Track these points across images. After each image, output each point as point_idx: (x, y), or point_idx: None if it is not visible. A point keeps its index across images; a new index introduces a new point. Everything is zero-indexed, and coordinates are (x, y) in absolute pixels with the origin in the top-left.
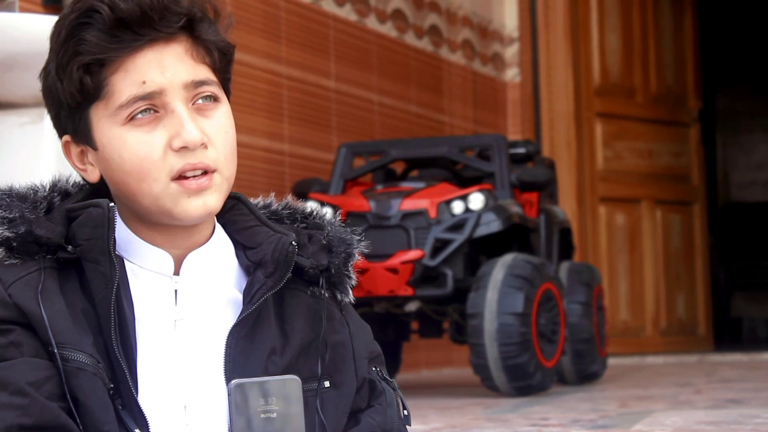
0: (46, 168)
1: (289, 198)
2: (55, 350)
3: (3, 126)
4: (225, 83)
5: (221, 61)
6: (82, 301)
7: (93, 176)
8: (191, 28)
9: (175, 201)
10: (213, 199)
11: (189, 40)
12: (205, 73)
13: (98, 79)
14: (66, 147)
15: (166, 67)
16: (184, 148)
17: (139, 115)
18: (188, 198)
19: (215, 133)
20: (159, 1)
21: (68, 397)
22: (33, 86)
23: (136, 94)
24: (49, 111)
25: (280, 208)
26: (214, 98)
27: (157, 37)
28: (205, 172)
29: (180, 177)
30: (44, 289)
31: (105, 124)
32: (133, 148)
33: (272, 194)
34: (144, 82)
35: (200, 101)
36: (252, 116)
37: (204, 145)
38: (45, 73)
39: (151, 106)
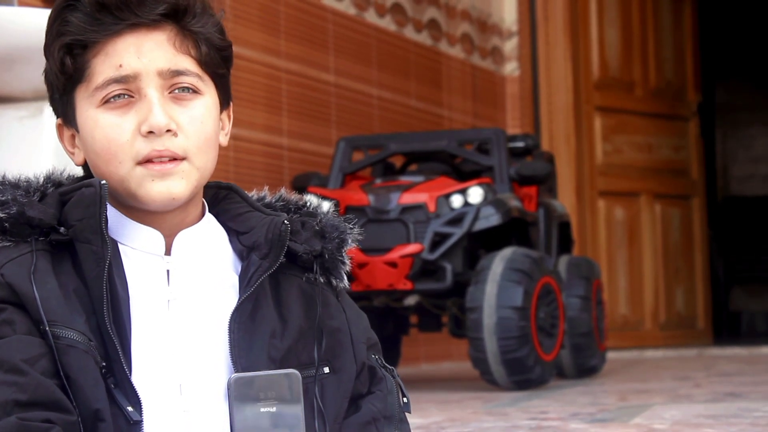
0: (44, 162)
1: (283, 190)
2: (47, 328)
3: (1, 120)
4: (218, 79)
5: (211, 55)
6: (74, 281)
7: (78, 159)
8: (177, 18)
9: (139, 183)
10: (178, 186)
11: (174, 30)
12: (185, 63)
13: (81, 62)
14: (59, 129)
15: (143, 52)
16: (151, 134)
17: (114, 99)
18: (152, 181)
19: (188, 122)
20: None
21: (61, 374)
22: (32, 80)
23: (111, 77)
24: (48, 93)
25: (273, 200)
26: (194, 90)
27: (138, 22)
28: (174, 159)
29: (146, 162)
30: (37, 270)
31: (84, 106)
32: (104, 130)
33: (266, 188)
34: (120, 66)
35: (177, 91)
36: (251, 110)
37: (173, 133)
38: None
39: (126, 91)
